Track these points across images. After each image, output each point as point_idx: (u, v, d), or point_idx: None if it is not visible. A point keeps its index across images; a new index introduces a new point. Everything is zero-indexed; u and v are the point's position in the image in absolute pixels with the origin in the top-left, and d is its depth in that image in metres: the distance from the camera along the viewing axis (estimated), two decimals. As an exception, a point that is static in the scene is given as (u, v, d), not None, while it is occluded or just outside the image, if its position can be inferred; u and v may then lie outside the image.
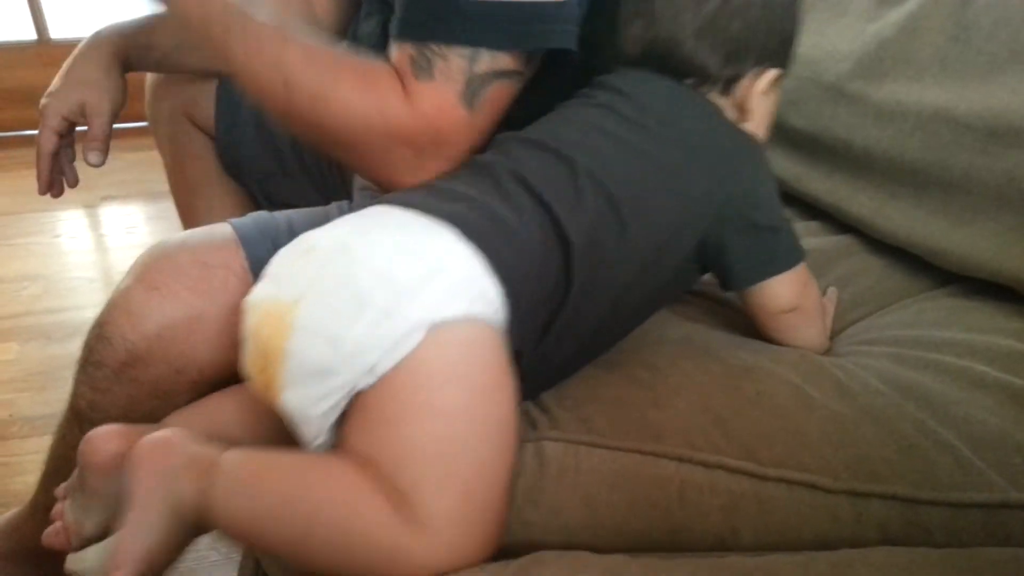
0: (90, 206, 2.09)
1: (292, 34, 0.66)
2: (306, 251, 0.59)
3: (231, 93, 1.05)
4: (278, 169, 1.09)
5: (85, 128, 0.93)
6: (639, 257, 0.63)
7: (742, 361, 0.67)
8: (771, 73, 0.70)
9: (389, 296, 0.54)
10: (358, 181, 0.92)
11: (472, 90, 0.64)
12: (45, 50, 2.12)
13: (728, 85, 0.70)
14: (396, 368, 0.53)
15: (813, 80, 0.96)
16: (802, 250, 0.70)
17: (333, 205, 0.79)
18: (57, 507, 0.61)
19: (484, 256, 0.57)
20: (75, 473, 0.61)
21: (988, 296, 0.79)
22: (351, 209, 0.77)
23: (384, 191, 0.70)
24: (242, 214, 0.76)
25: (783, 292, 0.69)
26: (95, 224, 2.03)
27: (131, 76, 0.97)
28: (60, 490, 0.62)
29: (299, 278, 0.57)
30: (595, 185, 0.61)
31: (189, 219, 1.13)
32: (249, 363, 0.58)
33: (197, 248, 0.70)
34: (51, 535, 0.60)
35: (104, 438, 0.59)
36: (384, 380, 0.53)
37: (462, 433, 0.53)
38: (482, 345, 0.56)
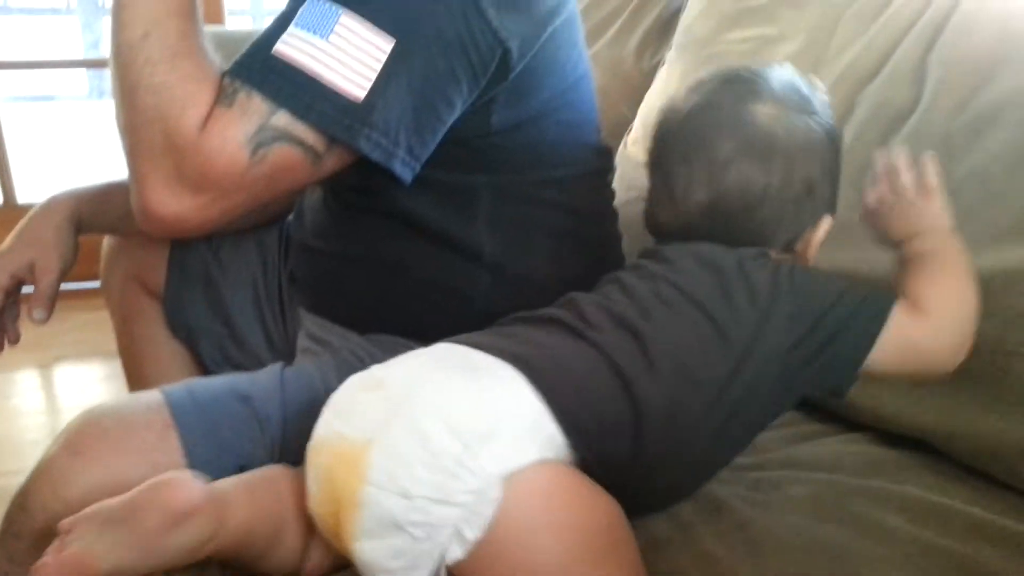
0: (44, 366, 2.08)
1: (189, 11, 0.69)
2: (374, 386, 0.59)
3: (182, 256, 1.09)
4: (227, 333, 1.11)
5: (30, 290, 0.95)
6: (717, 419, 0.63)
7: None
8: (827, 221, 0.73)
9: (459, 447, 0.54)
10: (301, 343, 0.95)
11: (260, 139, 0.66)
12: (12, 214, 2.17)
13: (789, 244, 0.72)
14: (486, 536, 0.53)
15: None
16: (879, 295, 0.67)
17: (263, 370, 0.81)
18: (60, 542, 0.56)
19: (549, 403, 0.58)
20: (112, 507, 0.57)
21: (904, 444, 0.82)
22: (285, 373, 0.79)
23: (136, 216, 0.71)
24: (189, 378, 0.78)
25: (897, 341, 0.65)
26: (48, 384, 2.02)
27: (90, 239, 1.01)
28: (66, 523, 0.57)
29: (367, 417, 0.57)
30: (668, 358, 0.62)
31: (136, 383, 1.14)
32: (318, 502, 0.58)
33: (121, 411, 0.72)
34: (56, 566, 0.54)
35: (185, 485, 0.58)
36: (477, 550, 0.53)
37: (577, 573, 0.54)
38: (561, 482, 0.57)
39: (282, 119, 0.66)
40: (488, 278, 0.82)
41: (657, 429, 0.61)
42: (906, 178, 0.72)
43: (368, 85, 0.66)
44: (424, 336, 0.75)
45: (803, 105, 0.72)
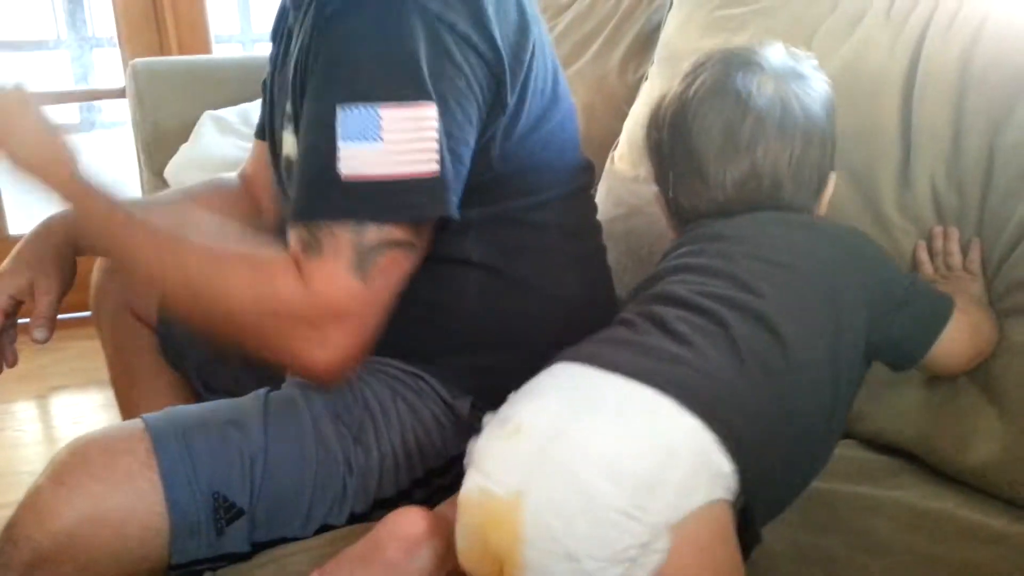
0: (41, 396, 2.08)
1: (188, 235, 0.72)
2: (512, 433, 0.55)
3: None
4: (216, 357, 1.11)
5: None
6: (826, 386, 0.63)
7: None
8: (833, 177, 0.78)
9: (624, 497, 0.50)
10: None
11: (362, 261, 0.68)
12: (3, 245, 2.18)
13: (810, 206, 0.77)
14: None
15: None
16: (945, 295, 0.73)
17: (249, 395, 0.81)
18: None
19: (715, 430, 0.53)
20: (355, 548, 0.60)
21: (894, 449, 0.83)
22: (269, 397, 0.80)
23: (298, 376, 0.73)
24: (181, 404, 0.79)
25: (957, 346, 0.72)
26: (45, 415, 2.02)
27: (81, 269, 1.00)
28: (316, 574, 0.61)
29: (512, 468, 0.53)
30: (795, 335, 0.61)
31: (128, 410, 1.14)
32: (473, 560, 0.55)
33: (105, 440, 0.72)
34: None
35: (414, 514, 0.60)
36: None
37: None
38: (723, 529, 0.54)
39: (374, 232, 0.68)
40: (476, 296, 0.83)
41: (805, 417, 0.60)
42: (956, 260, 0.80)
43: (437, 156, 0.68)
44: (414, 355, 0.76)
45: (800, 72, 0.77)
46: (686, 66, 0.81)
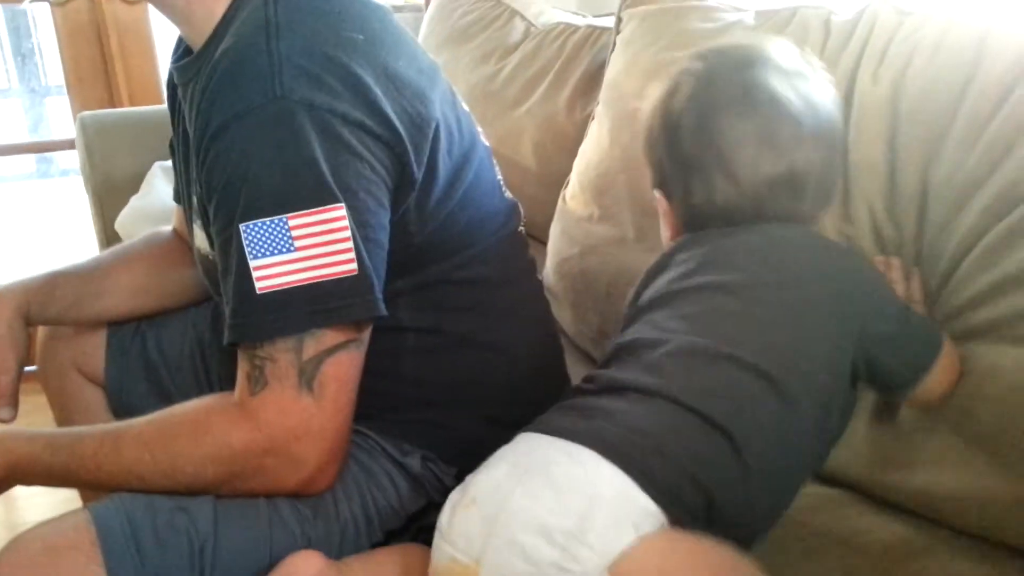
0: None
1: (120, 431, 0.74)
2: (468, 503, 0.61)
3: (120, 342, 1.08)
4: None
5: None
6: (810, 415, 0.64)
7: None
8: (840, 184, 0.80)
9: (556, 552, 0.55)
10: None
11: (307, 378, 0.68)
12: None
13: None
14: None
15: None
16: (935, 327, 0.74)
17: None
18: None
19: (629, 473, 0.58)
20: None
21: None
22: None
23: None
24: None
25: (943, 379, 0.72)
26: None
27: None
28: None
29: (471, 536, 0.59)
30: (749, 371, 0.63)
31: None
32: None
33: (46, 533, 0.70)
34: None
35: (309, 559, 0.66)
36: None
37: None
38: (670, 547, 0.57)
39: (311, 343, 0.68)
40: (414, 358, 0.82)
41: (763, 448, 0.61)
42: (900, 289, 0.80)
43: (353, 255, 0.68)
44: (359, 417, 0.75)
45: (811, 74, 0.77)
46: (688, 63, 0.79)
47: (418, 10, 2.24)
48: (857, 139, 0.87)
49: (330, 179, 0.67)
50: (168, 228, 1.11)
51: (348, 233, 0.67)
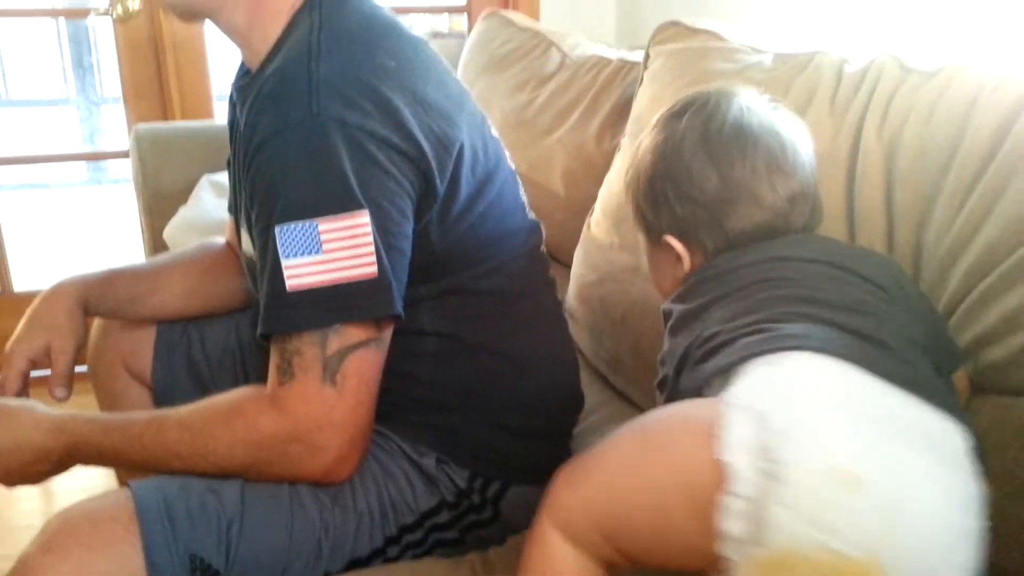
0: (38, 449, 2.10)
1: (164, 415, 0.81)
2: (851, 485, 0.49)
3: (168, 340, 1.16)
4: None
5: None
6: None
7: None
8: None
9: (972, 554, 0.50)
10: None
11: (330, 371, 0.75)
12: (10, 301, 2.24)
13: None
14: None
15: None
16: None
17: None
18: None
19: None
20: None
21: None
22: None
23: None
24: None
25: (962, 387, 0.76)
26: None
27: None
28: None
29: (861, 529, 0.49)
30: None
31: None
32: None
33: (90, 506, 0.77)
34: None
35: None
36: None
37: None
38: None
39: (335, 339, 0.75)
40: (433, 362, 0.88)
41: None
42: None
43: (374, 259, 0.75)
44: (379, 417, 0.82)
45: (776, 104, 0.85)
46: (667, 120, 0.85)
47: (461, 36, 2.33)
48: (860, 190, 0.91)
49: (357, 189, 0.74)
50: (221, 239, 1.19)
51: (371, 239, 0.74)
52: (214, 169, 1.76)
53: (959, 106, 0.85)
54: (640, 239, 0.89)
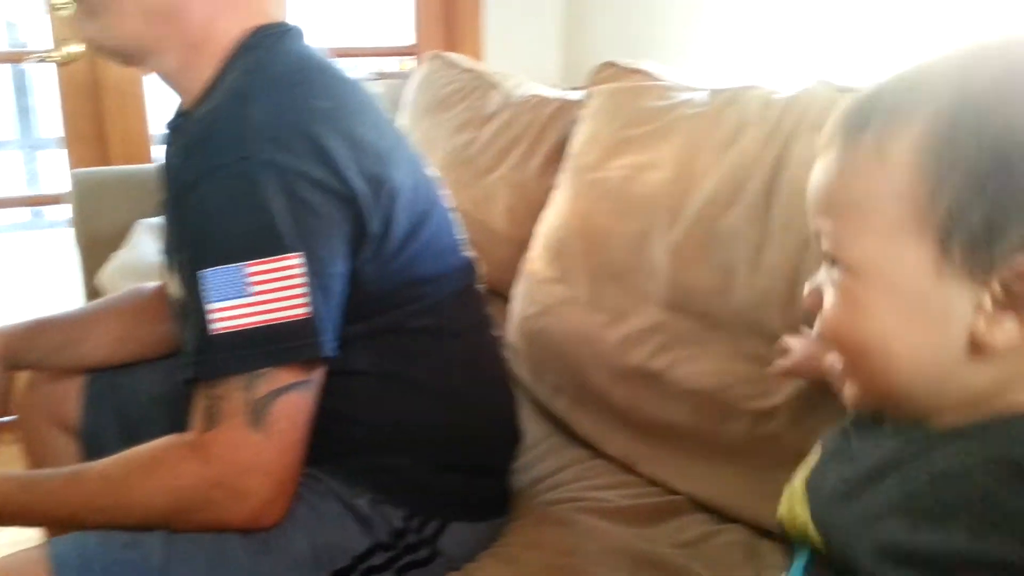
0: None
1: (85, 467, 0.78)
2: None
3: (97, 389, 1.12)
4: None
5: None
6: None
7: None
8: None
9: None
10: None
11: (257, 415, 0.73)
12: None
13: None
14: None
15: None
16: None
17: None
18: None
19: None
20: None
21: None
22: None
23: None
24: None
25: None
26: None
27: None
28: None
29: None
30: None
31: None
32: None
33: (4, 564, 0.74)
34: None
35: None
36: None
37: None
38: None
39: (262, 382, 0.74)
40: (368, 402, 0.87)
41: None
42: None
43: (306, 300, 0.74)
44: (310, 459, 0.80)
45: None
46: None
47: (403, 77, 2.34)
48: (777, 209, 0.94)
49: (287, 232, 0.73)
50: (152, 284, 1.17)
51: (301, 280, 0.73)
52: (151, 213, 1.73)
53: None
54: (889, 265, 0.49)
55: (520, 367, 1.30)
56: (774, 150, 0.98)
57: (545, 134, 1.55)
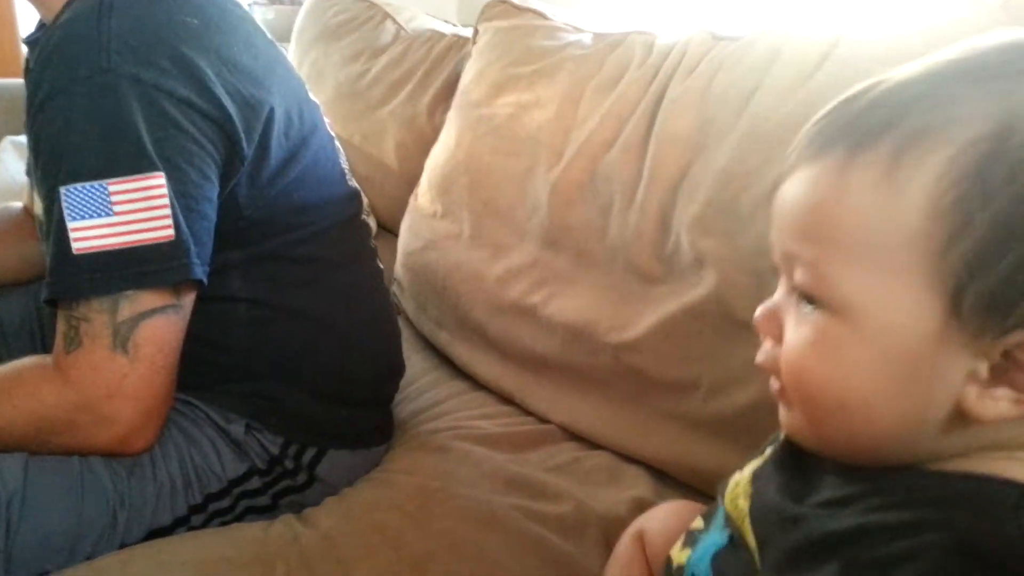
0: None
1: None
2: None
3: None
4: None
5: None
6: None
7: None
8: None
9: None
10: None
11: (121, 338, 0.72)
12: None
13: None
14: None
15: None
16: None
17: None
18: None
19: None
20: None
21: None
22: None
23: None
24: None
25: None
26: None
27: None
28: None
29: None
30: None
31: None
32: None
33: None
34: None
35: None
36: None
37: None
38: None
39: (127, 305, 0.72)
40: (245, 330, 0.87)
41: None
42: None
43: (171, 222, 0.72)
44: (186, 385, 0.80)
45: None
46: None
47: (297, 3, 2.27)
48: (658, 149, 0.97)
49: (151, 149, 0.71)
50: (18, 204, 1.12)
51: (167, 201, 0.72)
52: (19, 130, 1.64)
53: (767, 51, 0.92)
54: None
55: (406, 301, 1.32)
56: (652, 95, 1.01)
57: (437, 70, 1.54)
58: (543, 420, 1.05)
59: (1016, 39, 0.40)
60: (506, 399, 1.11)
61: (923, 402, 0.40)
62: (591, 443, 0.99)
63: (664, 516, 0.68)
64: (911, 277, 0.39)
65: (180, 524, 0.82)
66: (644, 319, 0.93)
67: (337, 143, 0.98)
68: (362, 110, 1.62)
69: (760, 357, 0.47)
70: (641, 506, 0.82)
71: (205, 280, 0.76)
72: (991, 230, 0.37)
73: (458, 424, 1.04)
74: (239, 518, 0.86)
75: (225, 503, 0.85)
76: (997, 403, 0.39)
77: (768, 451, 0.53)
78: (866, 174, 0.40)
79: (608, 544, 0.77)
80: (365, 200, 1.01)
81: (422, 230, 1.29)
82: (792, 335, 0.44)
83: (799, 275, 0.43)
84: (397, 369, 1.05)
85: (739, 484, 0.52)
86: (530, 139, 1.13)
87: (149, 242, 0.72)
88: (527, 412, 1.07)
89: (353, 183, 0.99)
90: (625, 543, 0.68)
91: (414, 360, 1.20)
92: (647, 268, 0.95)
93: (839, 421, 0.43)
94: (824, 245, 0.41)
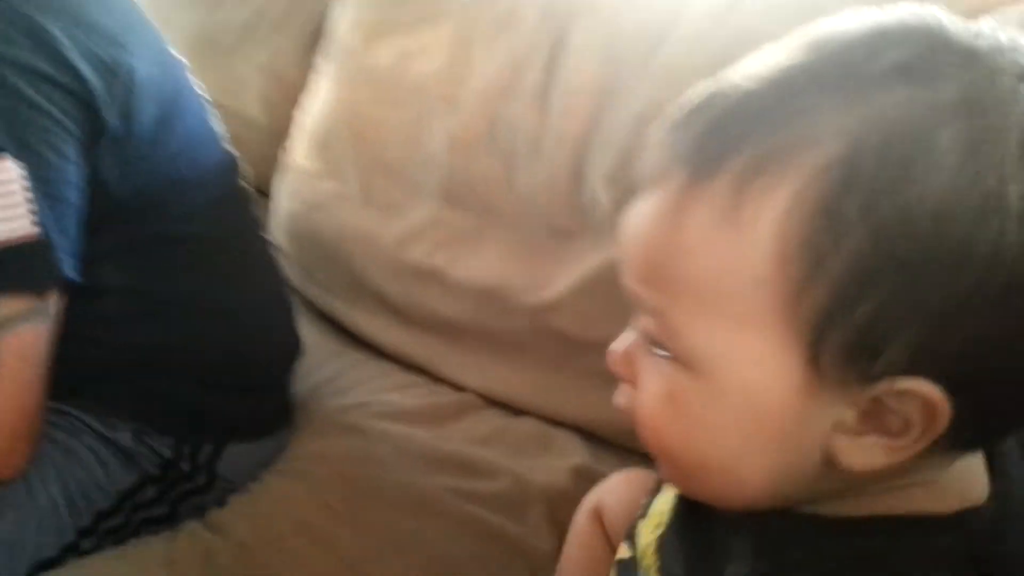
0: None
1: None
2: None
3: None
4: None
5: None
6: None
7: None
8: None
9: None
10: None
11: None
12: None
13: None
14: None
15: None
16: None
17: None
18: None
19: None
20: None
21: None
22: None
23: None
24: None
25: None
26: None
27: None
28: None
29: None
30: None
31: None
32: None
33: None
34: None
35: None
36: None
37: None
38: None
39: None
40: (121, 323, 0.78)
41: None
42: None
43: (31, 215, 0.62)
44: (58, 392, 0.70)
45: None
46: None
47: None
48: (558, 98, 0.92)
49: (3, 133, 0.61)
50: None
51: (22, 190, 0.62)
52: None
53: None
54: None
55: (290, 268, 1.21)
56: (550, 36, 0.95)
57: (296, 9, 1.41)
58: (458, 388, 0.99)
59: (875, 25, 0.34)
60: (414, 367, 1.04)
61: (793, 456, 0.36)
62: (514, 409, 0.95)
63: (617, 488, 0.66)
64: (764, 329, 0.34)
65: (69, 552, 0.73)
66: (562, 277, 0.89)
67: (206, 104, 0.87)
68: (217, 60, 1.46)
69: (621, 399, 0.42)
70: (582, 475, 0.79)
71: (77, 277, 0.65)
72: (846, 272, 0.32)
73: (367, 399, 0.97)
74: (135, 533, 0.78)
75: (118, 520, 0.76)
76: (867, 452, 0.35)
77: (666, 499, 0.48)
78: (706, 211, 0.34)
79: (554, 520, 0.74)
80: (242, 165, 0.91)
81: (302, 191, 1.19)
82: (645, 387, 0.39)
83: (645, 323, 0.38)
84: (294, 347, 0.97)
85: (646, 555, 0.48)
86: (419, 89, 1.05)
87: (12, 240, 0.61)
88: (439, 380, 1.01)
89: (229, 148, 0.89)
90: (581, 521, 0.65)
91: (307, 331, 1.10)
92: (561, 222, 0.91)
93: (704, 480, 0.39)
94: (667, 293, 0.36)
